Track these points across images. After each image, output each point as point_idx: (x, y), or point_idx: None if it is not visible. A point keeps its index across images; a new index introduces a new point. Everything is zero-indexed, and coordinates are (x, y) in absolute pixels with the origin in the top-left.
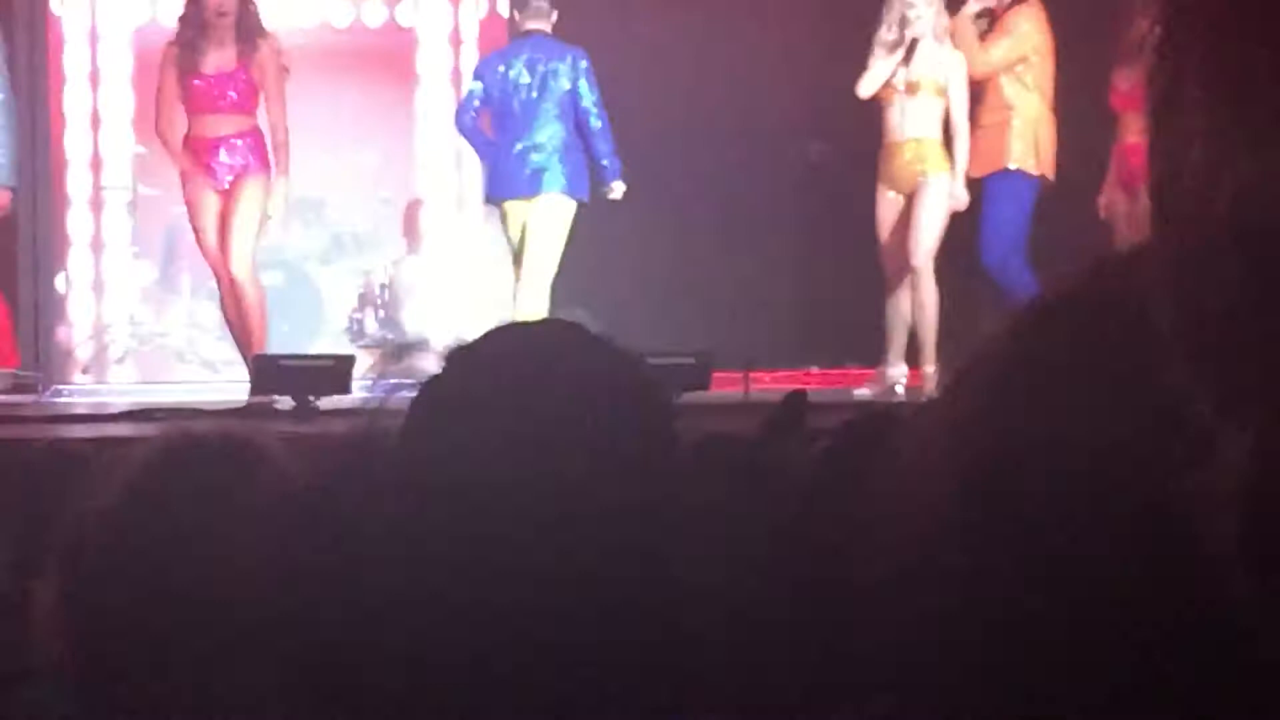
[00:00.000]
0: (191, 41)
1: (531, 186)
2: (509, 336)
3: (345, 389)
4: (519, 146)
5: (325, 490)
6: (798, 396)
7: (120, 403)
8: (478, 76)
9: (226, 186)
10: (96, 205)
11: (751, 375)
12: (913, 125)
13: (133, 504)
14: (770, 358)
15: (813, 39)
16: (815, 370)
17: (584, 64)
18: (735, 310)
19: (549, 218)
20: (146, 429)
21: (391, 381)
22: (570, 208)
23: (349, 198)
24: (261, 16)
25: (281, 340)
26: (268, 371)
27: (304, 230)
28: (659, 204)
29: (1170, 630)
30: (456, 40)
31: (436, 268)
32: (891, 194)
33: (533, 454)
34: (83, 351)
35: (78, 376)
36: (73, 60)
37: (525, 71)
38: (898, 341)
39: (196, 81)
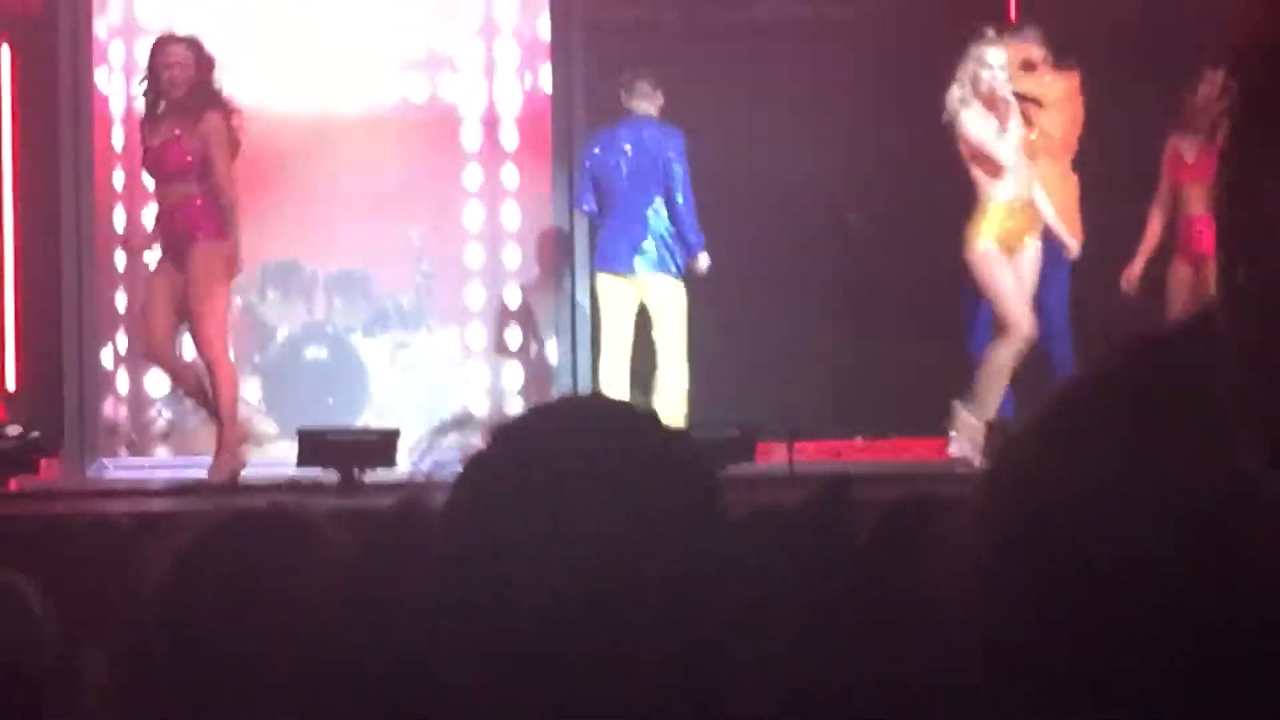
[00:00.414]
0: (149, 112)
1: (635, 264)
2: (553, 413)
3: (391, 463)
4: (622, 225)
5: (371, 567)
6: (841, 481)
7: (165, 478)
8: (588, 157)
9: (172, 258)
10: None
11: (796, 446)
12: (1020, 186)
13: (182, 580)
14: (814, 428)
15: (851, 110)
16: (860, 440)
17: (678, 142)
18: (779, 381)
19: (669, 298)
20: (192, 504)
21: (437, 457)
22: (683, 291)
23: (393, 271)
24: (219, 88)
25: (327, 414)
26: (314, 445)
27: (348, 304)
28: (701, 277)
29: (1230, 704)
30: (505, 116)
31: (480, 342)
32: (995, 248)
33: (575, 533)
34: (128, 426)
35: (122, 452)
36: (118, 137)
37: (630, 152)
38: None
39: (150, 151)
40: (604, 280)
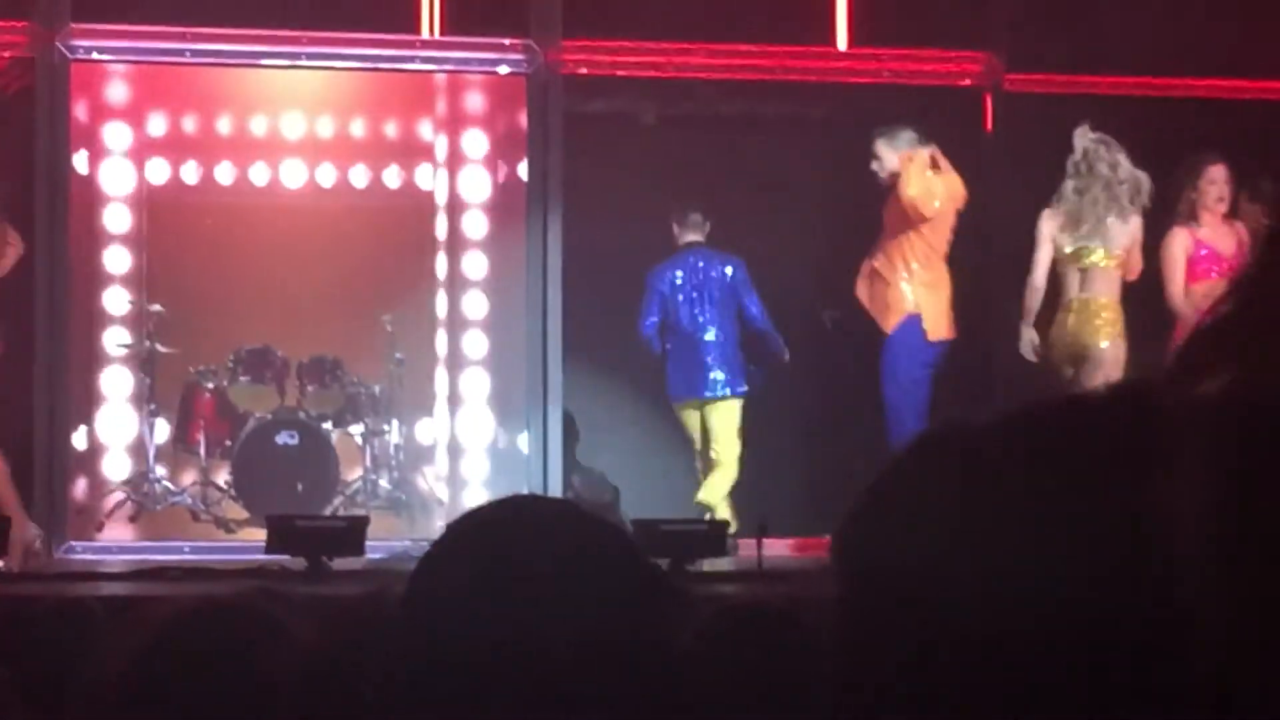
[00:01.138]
0: None
1: (705, 389)
2: (505, 510)
3: (359, 550)
4: (690, 351)
5: (333, 657)
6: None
7: (134, 561)
8: (651, 286)
9: None
10: (126, 362)
11: (765, 541)
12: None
13: (149, 666)
14: (784, 525)
15: (817, 204)
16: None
17: (741, 268)
18: (750, 477)
19: (727, 419)
20: (161, 588)
21: (402, 544)
22: (739, 406)
23: (365, 358)
24: None
25: (296, 501)
26: (283, 532)
27: (320, 390)
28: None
29: None
30: (482, 205)
31: (450, 430)
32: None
33: (520, 628)
34: (97, 509)
35: (92, 534)
36: (91, 219)
37: (692, 281)
38: None
39: None
40: (685, 406)
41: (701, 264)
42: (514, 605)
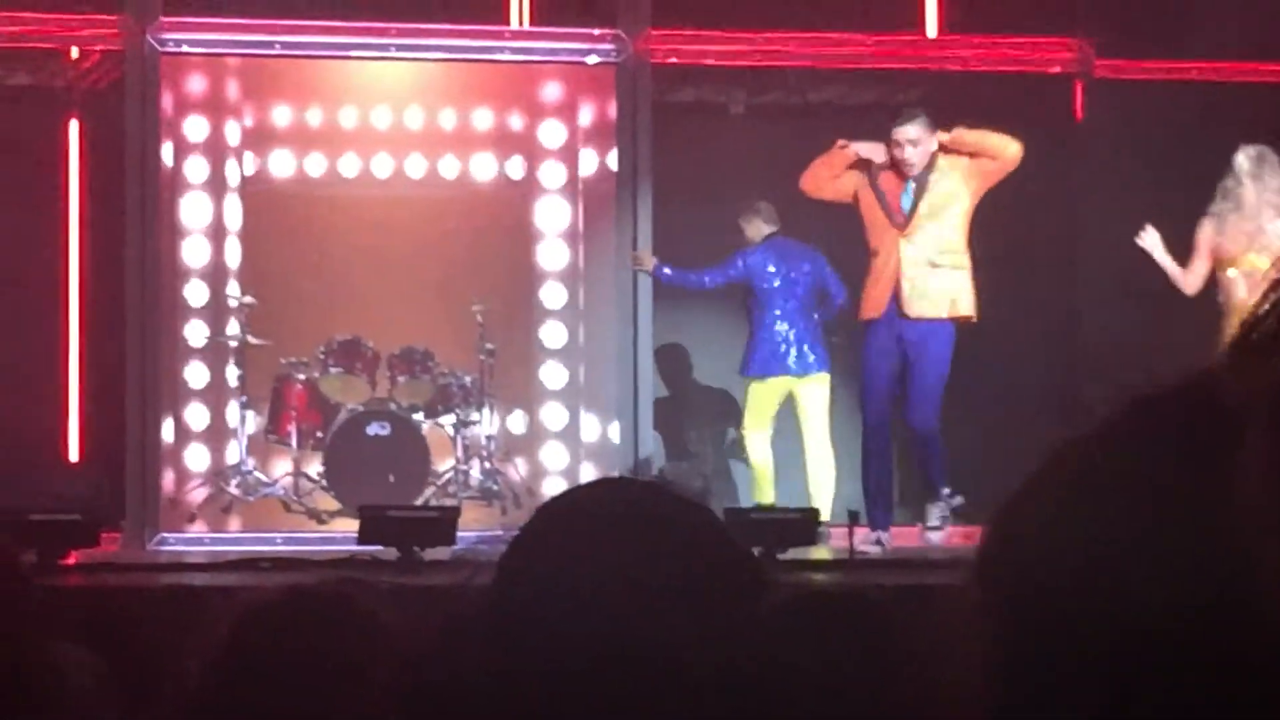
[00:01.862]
0: None
1: (796, 366)
2: (594, 492)
3: (450, 540)
4: (779, 332)
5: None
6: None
7: (226, 552)
8: (736, 260)
9: None
10: (205, 355)
11: (857, 530)
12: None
13: (236, 655)
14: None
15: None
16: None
17: (822, 258)
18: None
19: (821, 394)
20: (252, 578)
21: (494, 533)
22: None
23: (456, 349)
24: None
25: (388, 491)
26: (374, 522)
27: (411, 381)
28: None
29: None
30: (571, 195)
31: (541, 420)
32: None
33: (609, 608)
34: (190, 500)
35: (184, 525)
36: (183, 212)
37: (782, 271)
38: None
39: None
40: (771, 383)
41: (791, 254)
42: (603, 586)
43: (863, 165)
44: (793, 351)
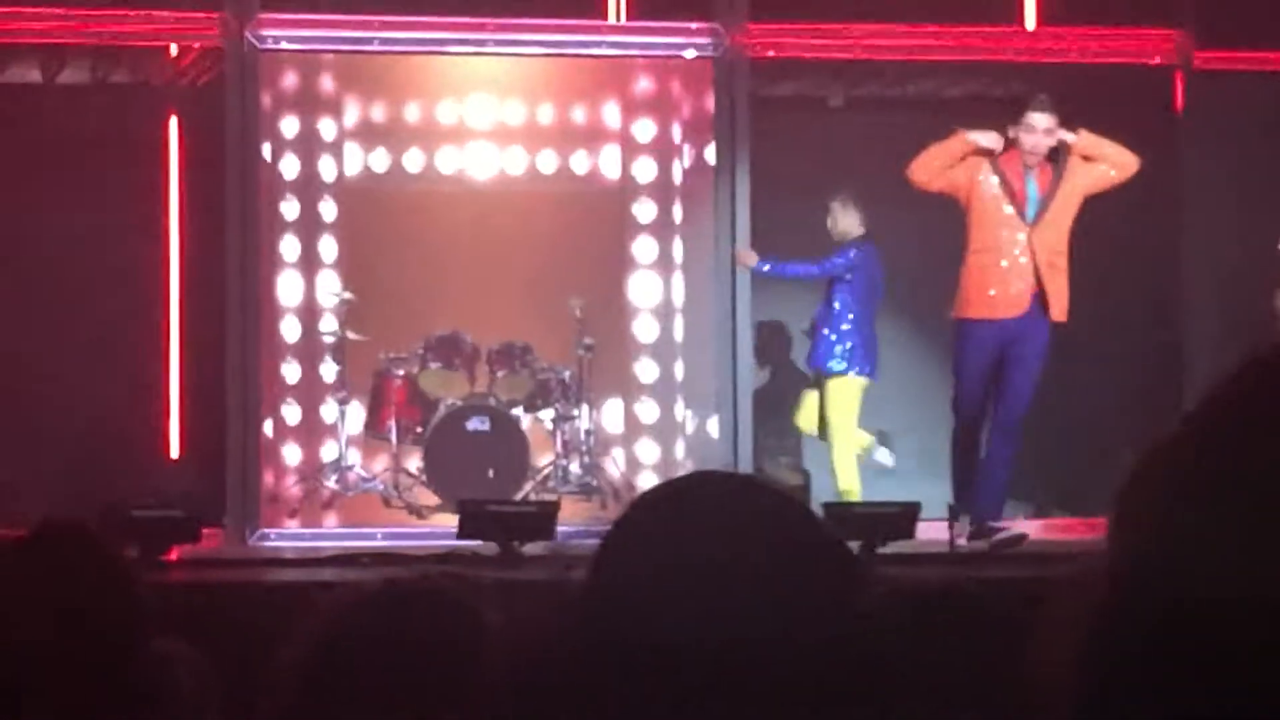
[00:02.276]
0: None
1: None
2: (688, 485)
3: (549, 535)
4: (872, 331)
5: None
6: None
7: (326, 548)
8: (854, 254)
9: None
10: (305, 351)
11: (956, 525)
12: None
13: (333, 650)
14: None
15: None
16: (1021, 519)
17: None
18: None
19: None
20: (352, 574)
21: (591, 528)
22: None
23: (555, 344)
24: None
25: (487, 486)
26: (474, 517)
27: (510, 376)
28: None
29: None
30: (669, 190)
31: (640, 415)
32: None
33: (703, 602)
34: (290, 496)
35: (284, 521)
36: (283, 208)
37: (870, 271)
38: None
39: None
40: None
41: (877, 258)
42: (697, 578)
43: (977, 158)
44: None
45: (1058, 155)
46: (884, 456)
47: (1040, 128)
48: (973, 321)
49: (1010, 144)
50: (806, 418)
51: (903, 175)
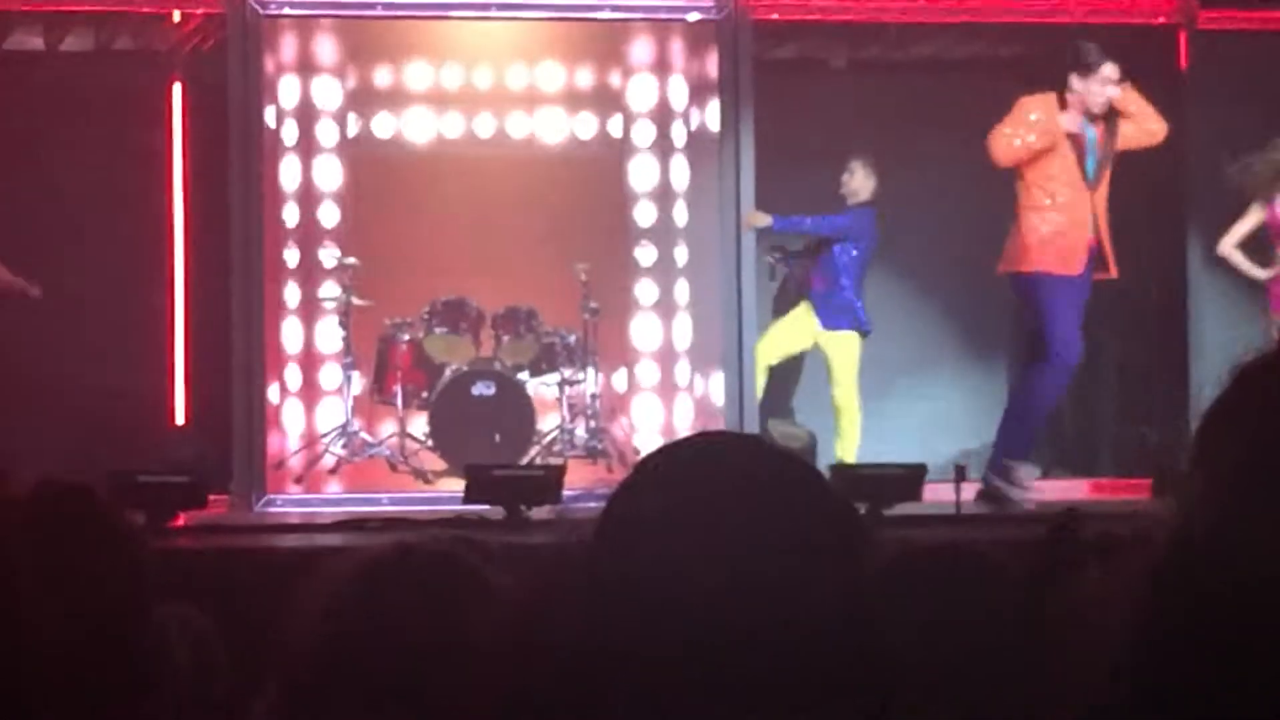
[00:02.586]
0: None
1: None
2: (694, 445)
3: (556, 499)
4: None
5: (530, 604)
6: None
7: (333, 513)
8: (856, 217)
9: None
10: (309, 317)
11: (964, 486)
12: None
13: (343, 614)
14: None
15: None
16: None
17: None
18: (948, 420)
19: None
20: (360, 539)
21: (596, 491)
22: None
23: (560, 308)
24: None
25: (493, 451)
26: (481, 481)
27: (515, 340)
28: (876, 313)
29: None
30: (668, 152)
31: (645, 378)
32: None
33: (710, 561)
34: (295, 462)
35: (290, 487)
36: (286, 173)
37: (867, 240)
38: None
39: None
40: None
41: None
42: (703, 538)
43: (1045, 117)
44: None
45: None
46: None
47: (1109, 78)
48: (1054, 277)
49: (1065, 95)
50: (773, 347)
51: (905, 137)
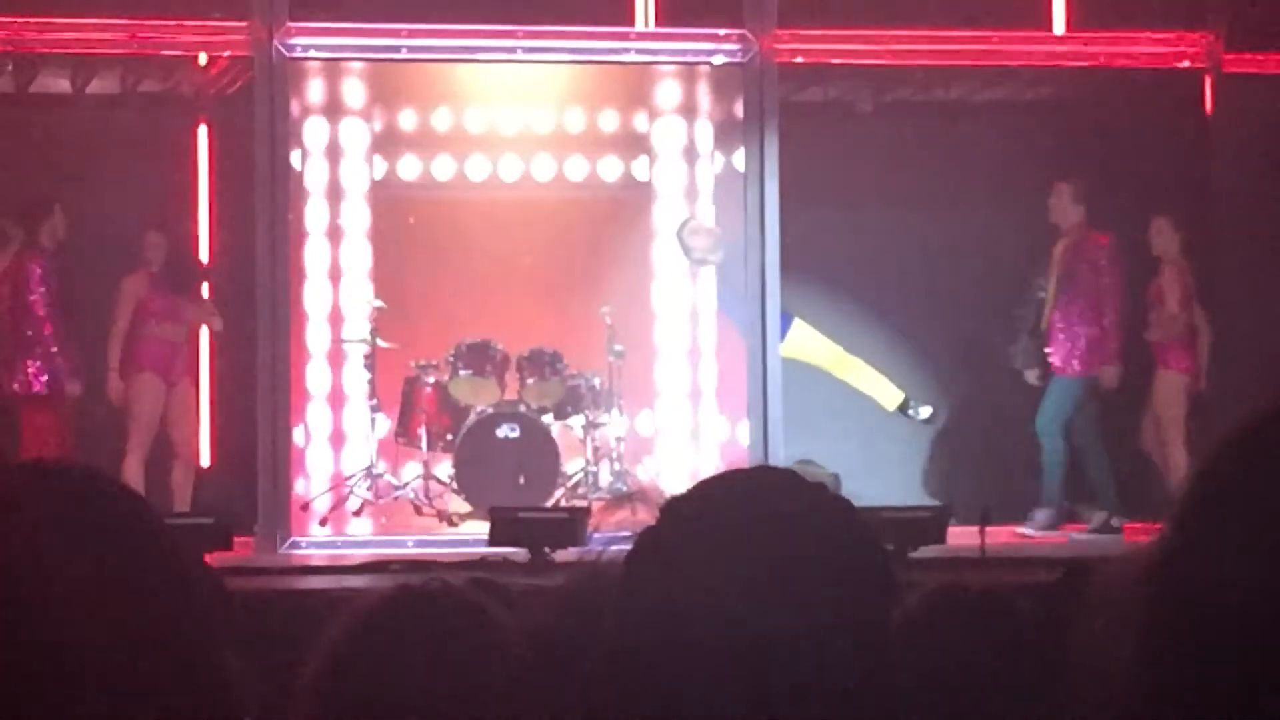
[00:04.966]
0: None
1: None
2: (721, 486)
3: (580, 541)
4: None
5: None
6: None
7: (357, 555)
8: None
9: None
10: (335, 359)
11: (987, 530)
12: None
13: (344, 659)
14: (1005, 511)
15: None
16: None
17: None
18: (974, 464)
19: None
20: (383, 581)
21: (619, 533)
22: None
23: (585, 351)
24: None
25: (518, 493)
26: (505, 524)
27: (540, 383)
28: (900, 355)
29: None
30: (694, 194)
31: (671, 421)
32: None
33: (743, 604)
34: (320, 503)
35: (314, 528)
36: (312, 216)
37: None
38: None
39: None
40: None
41: None
42: (736, 569)
43: None
44: None
45: None
46: (924, 411)
47: None
48: None
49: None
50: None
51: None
